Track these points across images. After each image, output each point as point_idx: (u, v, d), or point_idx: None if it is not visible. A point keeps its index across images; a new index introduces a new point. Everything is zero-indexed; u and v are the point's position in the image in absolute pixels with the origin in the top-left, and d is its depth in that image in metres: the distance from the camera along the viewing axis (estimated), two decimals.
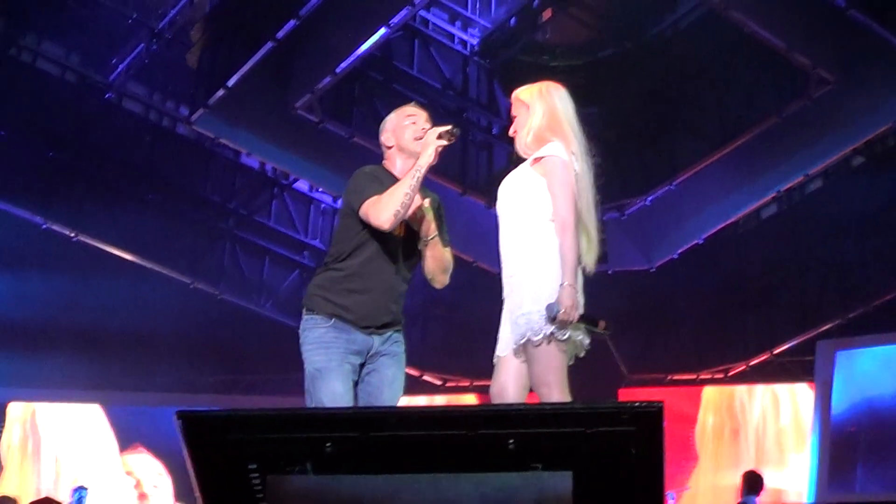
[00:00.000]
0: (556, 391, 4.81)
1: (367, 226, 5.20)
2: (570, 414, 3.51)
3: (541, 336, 4.82)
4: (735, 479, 11.53)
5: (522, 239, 5.01)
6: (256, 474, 3.55)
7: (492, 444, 3.43)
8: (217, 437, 3.55)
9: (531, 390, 4.98)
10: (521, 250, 5.00)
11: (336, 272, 5.31)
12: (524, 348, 4.87)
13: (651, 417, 3.35)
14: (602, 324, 4.93)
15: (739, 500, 10.84)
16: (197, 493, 3.58)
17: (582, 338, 4.88)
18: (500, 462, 3.44)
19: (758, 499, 10.71)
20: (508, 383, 4.97)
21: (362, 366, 5.22)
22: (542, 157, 5.04)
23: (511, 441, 3.41)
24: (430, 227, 5.30)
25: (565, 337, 4.82)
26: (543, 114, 5.18)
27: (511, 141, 5.27)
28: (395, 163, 5.37)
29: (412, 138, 5.31)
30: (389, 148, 5.41)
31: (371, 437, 3.51)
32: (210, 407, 13.27)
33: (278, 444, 3.55)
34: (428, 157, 5.09)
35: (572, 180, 5.02)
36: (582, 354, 4.96)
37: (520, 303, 4.90)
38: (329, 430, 3.54)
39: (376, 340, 5.21)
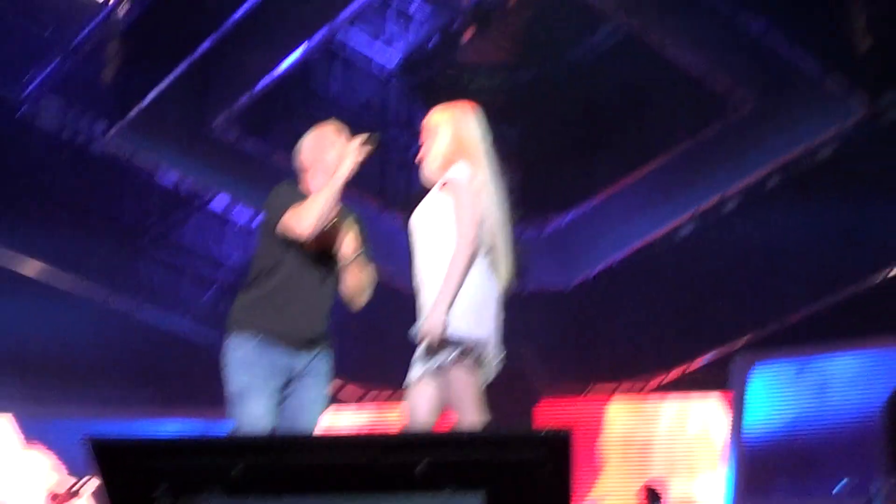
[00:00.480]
0: (470, 413, 4.82)
1: (287, 242, 5.17)
2: (480, 440, 3.57)
3: (447, 362, 4.86)
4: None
5: (434, 267, 5.00)
6: (168, 498, 3.50)
7: (401, 469, 3.41)
8: (129, 463, 3.53)
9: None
10: (432, 279, 4.99)
11: (259, 290, 5.26)
12: (435, 373, 4.88)
13: (559, 445, 3.37)
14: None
15: None
16: None
17: (488, 358, 4.91)
18: (411, 484, 3.42)
19: None
20: (420, 405, 4.95)
21: (287, 384, 5.18)
22: (447, 181, 5.05)
23: (422, 464, 3.39)
24: (351, 246, 5.25)
25: (436, 364, 4.87)
26: (451, 138, 5.16)
27: None
28: (312, 183, 5.33)
29: (336, 158, 5.25)
30: (307, 169, 5.38)
31: (281, 461, 3.51)
32: (125, 423, 13.25)
33: (189, 468, 3.53)
34: (348, 167, 5.07)
35: (476, 201, 5.02)
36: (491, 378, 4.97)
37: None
38: (239, 455, 3.52)
39: (303, 358, 5.17)
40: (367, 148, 5.15)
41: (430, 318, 4.81)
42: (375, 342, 13.32)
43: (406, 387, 5.01)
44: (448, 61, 13.08)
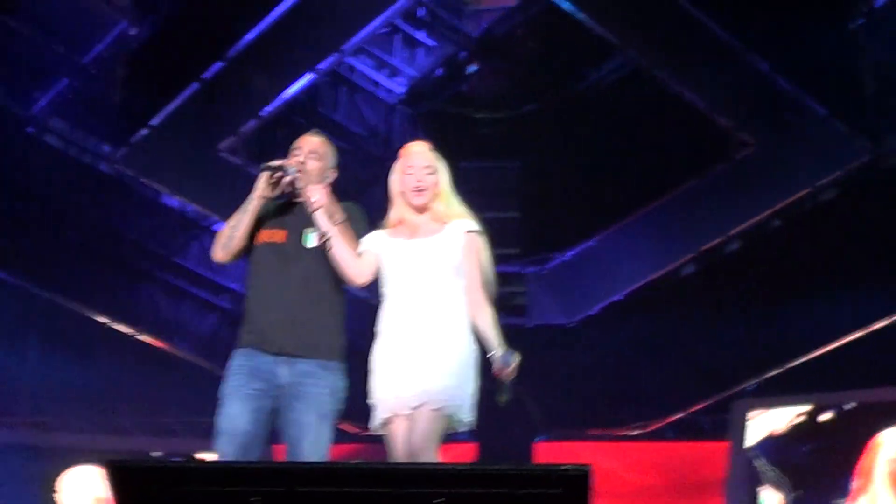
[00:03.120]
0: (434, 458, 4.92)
1: (250, 249, 5.41)
2: (499, 475, 3.51)
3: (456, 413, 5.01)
4: None
5: (446, 304, 5.15)
6: None
7: (420, 501, 3.44)
8: (145, 489, 3.53)
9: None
10: (444, 315, 5.12)
11: (246, 305, 5.44)
12: (420, 412, 4.95)
13: (578, 481, 3.38)
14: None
15: None
16: None
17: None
18: None
19: None
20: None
21: (276, 398, 5.17)
22: (472, 231, 5.26)
23: (438, 500, 3.42)
24: (328, 229, 5.27)
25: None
26: (447, 182, 5.40)
27: None
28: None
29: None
30: None
31: (297, 491, 3.51)
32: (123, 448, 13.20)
33: (205, 497, 3.54)
34: (255, 189, 5.36)
35: None
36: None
37: (445, 372, 5.01)
38: (256, 484, 3.53)
39: (284, 371, 5.17)
40: (268, 173, 5.33)
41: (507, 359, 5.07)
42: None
43: (392, 416, 5.11)
44: (453, 91, 13.13)
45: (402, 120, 13.57)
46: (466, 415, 5.05)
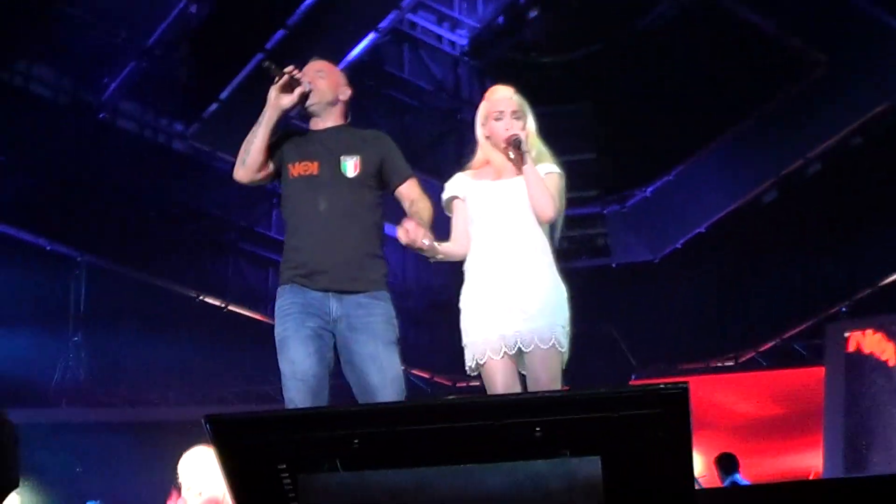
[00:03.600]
0: None
1: (282, 187, 5.33)
2: (595, 399, 3.46)
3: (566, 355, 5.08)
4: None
5: (534, 244, 5.19)
6: (286, 475, 3.53)
7: (519, 432, 3.41)
8: (245, 440, 3.56)
9: None
10: (534, 255, 5.17)
11: (286, 241, 5.31)
12: (534, 353, 5.02)
13: (677, 399, 3.32)
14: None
15: (719, 484, 10.87)
16: (230, 496, 3.62)
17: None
18: (528, 450, 3.40)
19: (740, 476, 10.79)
20: (515, 387, 5.09)
21: (333, 333, 5.09)
22: (551, 173, 5.29)
23: (538, 429, 3.39)
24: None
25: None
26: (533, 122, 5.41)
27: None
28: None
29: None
30: None
31: (397, 430, 3.51)
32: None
33: (306, 443, 3.54)
34: (268, 100, 5.24)
35: None
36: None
37: (544, 310, 5.06)
38: (355, 427, 3.53)
39: (334, 304, 5.07)
40: (276, 78, 5.22)
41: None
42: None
43: (488, 360, 5.13)
44: (516, 39, 13.08)
45: (468, 71, 13.59)
46: (567, 350, 5.10)
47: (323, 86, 5.34)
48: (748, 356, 13.63)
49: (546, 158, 5.34)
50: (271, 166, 5.32)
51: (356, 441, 3.48)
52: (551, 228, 5.27)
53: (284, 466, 3.53)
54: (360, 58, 11.56)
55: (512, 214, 5.18)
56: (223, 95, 11.29)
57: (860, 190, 12.19)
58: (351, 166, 5.19)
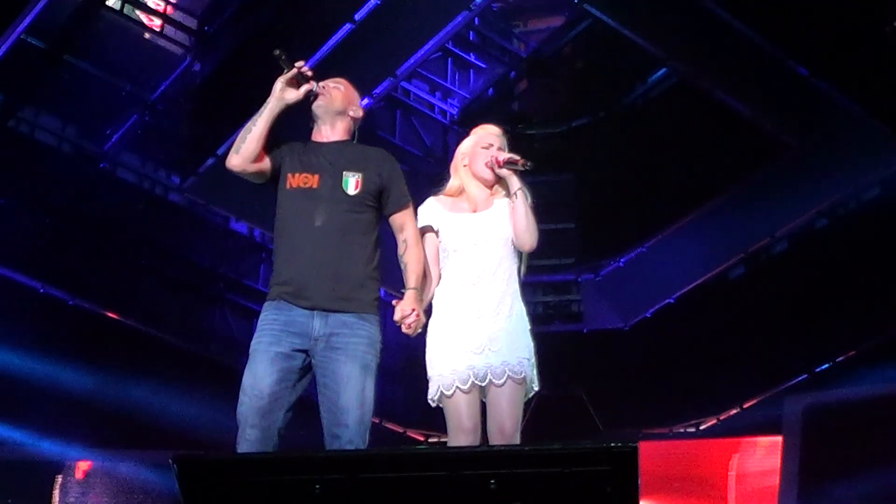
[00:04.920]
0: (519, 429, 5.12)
1: (278, 196, 5.15)
2: (548, 455, 3.60)
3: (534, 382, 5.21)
4: None
5: (506, 276, 5.31)
6: None
7: (474, 483, 3.53)
8: (211, 481, 3.64)
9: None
10: (515, 283, 5.32)
11: (274, 251, 5.17)
12: (503, 387, 5.10)
13: (626, 457, 3.47)
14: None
15: None
16: None
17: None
18: (483, 501, 3.55)
19: None
20: (478, 421, 5.15)
21: (308, 355, 4.93)
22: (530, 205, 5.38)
23: (493, 481, 3.52)
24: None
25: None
26: None
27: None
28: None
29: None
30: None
31: (358, 478, 3.62)
32: None
33: (270, 487, 3.64)
34: (272, 91, 5.22)
35: None
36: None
37: (523, 342, 5.21)
38: (317, 472, 3.63)
39: (318, 323, 4.91)
40: (285, 68, 5.18)
41: None
42: None
43: (462, 388, 5.16)
44: (506, 110, 13.43)
45: (456, 140, 13.89)
46: (536, 383, 5.21)
47: (336, 94, 5.30)
48: (710, 423, 13.85)
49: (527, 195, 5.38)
50: (267, 162, 5.17)
51: (317, 486, 3.59)
52: (520, 261, 5.35)
53: None
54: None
55: (488, 248, 5.26)
56: (220, 151, 11.39)
57: (824, 268, 12.52)
58: (353, 183, 5.05)
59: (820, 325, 12.61)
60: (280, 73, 5.24)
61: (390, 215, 5.22)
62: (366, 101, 11.58)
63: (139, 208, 12.97)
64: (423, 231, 5.39)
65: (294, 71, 5.17)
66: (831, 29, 10.67)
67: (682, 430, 13.99)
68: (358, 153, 5.22)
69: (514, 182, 5.33)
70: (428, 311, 5.28)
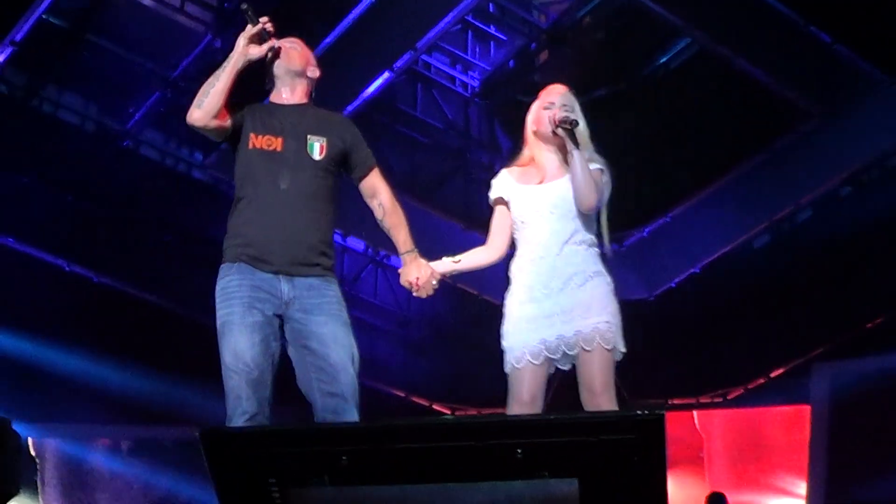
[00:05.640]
0: (614, 398, 5.07)
1: (238, 154, 5.07)
2: (575, 423, 3.62)
3: (619, 349, 5.13)
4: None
5: (583, 244, 5.28)
6: (276, 488, 3.64)
7: (501, 453, 3.53)
8: (238, 453, 3.65)
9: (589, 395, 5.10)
10: (592, 253, 5.31)
11: (232, 215, 5.09)
12: (582, 355, 5.05)
13: (653, 426, 3.47)
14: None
15: None
16: None
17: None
18: (509, 470, 3.55)
19: None
20: (538, 393, 5.12)
21: (282, 319, 4.87)
22: (598, 168, 5.35)
23: (519, 450, 3.52)
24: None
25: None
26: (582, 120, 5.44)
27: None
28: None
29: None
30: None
31: (384, 448, 3.64)
32: None
33: (296, 458, 3.63)
34: (236, 47, 5.18)
35: None
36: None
37: (598, 308, 5.14)
38: (343, 444, 3.64)
39: (285, 286, 4.86)
40: (251, 31, 5.13)
41: None
42: (462, 362, 13.60)
43: (521, 367, 5.15)
44: (526, 82, 13.41)
45: (478, 112, 13.94)
46: (622, 345, 5.15)
47: (294, 54, 5.25)
48: (737, 393, 13.89)
49: (595, 160, 5.34)
50: (229, 121, 5.10)
51: (344, 457, 3.58)
52: (598, 225, 5.34)
53: (275, 480, 3.64)
54: (374, 95, 11.86)
55: (555, 219, 5.22)
56: None
57: (848, 236, 12.48)
58: (318, 148, 5.03)
59: (846, 292, 12.63)
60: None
61: (359, 179, 5.22)
62: (387, 74, 11.61)
63: (162, 185, 12.99)
64: (495, 203, 5.43)
65: (259, 27, 5.14)
66: None
67: (708, 401, 13.98)
68: (321, 117, 5.20)
69: (569, 141, 5.23)
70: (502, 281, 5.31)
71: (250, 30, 5.14)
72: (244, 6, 5.19)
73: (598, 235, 5.39)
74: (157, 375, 13.13)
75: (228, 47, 11.95)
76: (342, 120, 5.37)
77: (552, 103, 5.36)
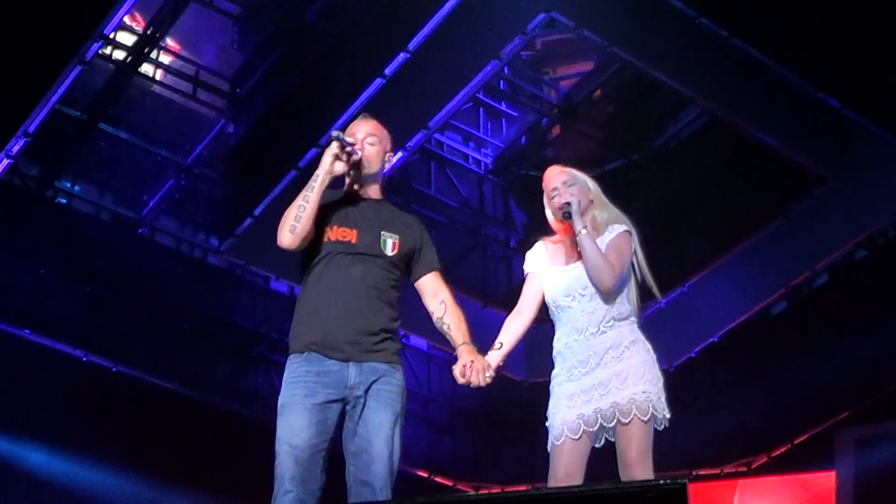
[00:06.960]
0: (650, 468, 5.09)
1: (307, 247, 5.05)
2: (598, 495, 3.67)
3: (659, 417, 5.19)
4: None
5: (616, 316, 5.28)
6: None
7: None
8: None
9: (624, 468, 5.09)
10: (627, 325, 5.31)
11: (299, 307, 5.12)
12: (619, 427, 5.07)
13: (675, 495, 3.52)
14: None
15: None
16: None
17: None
18: None
19: None
20: (574, 471, 5.11)
21: (343, 403, 4.90)
22: (619, 232, 5.42)
23: None
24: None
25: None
26: (590, 190, 5.51)
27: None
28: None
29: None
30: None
31: None
32: None
33: None
34: (321, 164, 5.05)
35: None
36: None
37: (635, 378, 5.17)
38: None
39: (353, 371, 4.91)
40: (336, 143, 5.04)
41: None
42: (483, 440, 13.57)
43: (560, 443, 5.16)
44: (539, 157, 13.47)
45: (492, 189, 13.99)
46: (665, 411, 5.24)
47: (372, 155, 5.23)
48: (761, 461, 13.71)
49: (614, 219, 5.45)
50: (313, 230, 5.07)
51: None
52: (627, 291, 5.35)
53: None
54: (389, 174, 11.91)
55: (590, 299, 5.23)
56: (257, 212, 11.55)
57: (866, 299, 12.49)
58: (390, 245, 5.09)
59: (866, 356, 12.52)
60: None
61: (420, 277, 5.26)
62: (399, 154, 11.65)
63: (179, 272, 13.06)
64: (528, 273, 5.50)
65: (348, 150, 5.09)
66: (859, 60, 10.71)
67: (732, 470, 13.86)
68: (394, 215, 5.25)
69: (576, 224, 5.27)
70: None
71: (337, 146, 5.07)
72: (335, 133, 5.10)
73: (630, 305, 5.39)
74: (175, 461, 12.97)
75: (241, 132, 12.18)
76: (414, 219, 5.37)
77: (555, 189, 5.41)
